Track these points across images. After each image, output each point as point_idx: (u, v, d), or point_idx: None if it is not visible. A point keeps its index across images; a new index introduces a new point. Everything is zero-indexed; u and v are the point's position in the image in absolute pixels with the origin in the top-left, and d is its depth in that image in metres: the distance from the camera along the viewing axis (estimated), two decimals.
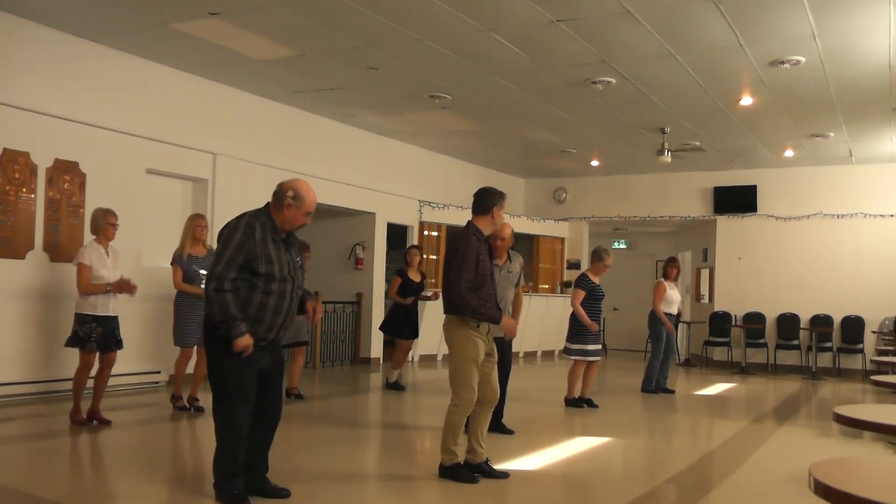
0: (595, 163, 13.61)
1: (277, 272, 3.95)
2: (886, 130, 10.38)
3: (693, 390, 9.82)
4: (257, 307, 3.93)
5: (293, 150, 10.12)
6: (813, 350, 12.12)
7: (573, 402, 7.88)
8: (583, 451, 5.84)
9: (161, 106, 8.47)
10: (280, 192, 4.04)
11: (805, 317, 12.77)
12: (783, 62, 7.58)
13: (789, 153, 12.01)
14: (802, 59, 7.49)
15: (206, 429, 6.29)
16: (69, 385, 7.31)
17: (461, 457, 4.71)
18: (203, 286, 6.52)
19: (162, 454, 5.53)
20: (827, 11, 6.36)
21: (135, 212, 8.16)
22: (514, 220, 14.38)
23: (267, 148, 9.70)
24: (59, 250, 7.39)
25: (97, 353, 6.01)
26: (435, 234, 12.96)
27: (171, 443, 6.09)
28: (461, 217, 13.07)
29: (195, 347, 6.76)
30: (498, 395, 4.86)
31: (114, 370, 7.66)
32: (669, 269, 9.64)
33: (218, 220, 6.99)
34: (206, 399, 6.93)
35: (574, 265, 15.20)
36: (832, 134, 10.64)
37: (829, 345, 12.45)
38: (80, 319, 5.93)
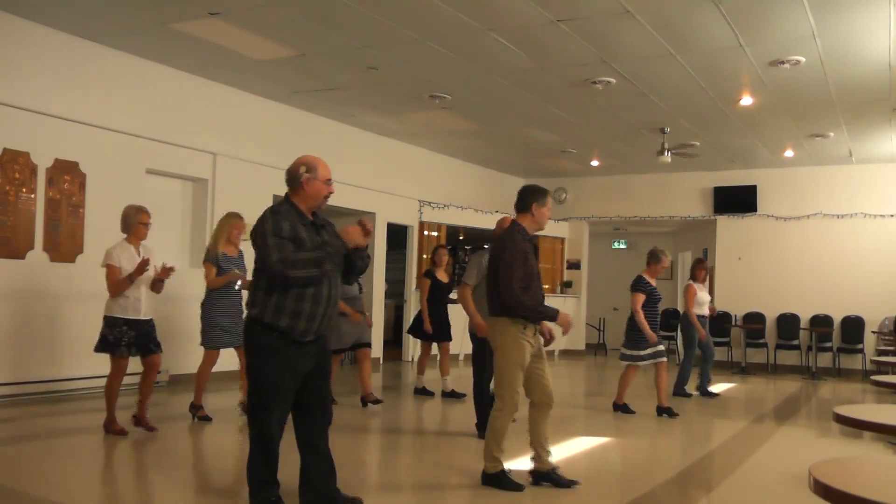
0: (595, 163, 13.61)
1: None
2: (886, 130, 10.38)
3: (693, 390, 9.81)
4: (295, 298, 3.68)
5: (293, 150, 9.97)
6: (813, 350, 12.11)
7: (621, 408, 7.65)
8: (583, 451, 5.84)
9: (161, 106, 8.47)
10: (292, 173, 3.87)
11: (805, 317, 12.77)
12: (783, 62, 7.58)
13: (789, 153, 12.01)
14: (802, 59, 7.48)
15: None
16: (69, 385, 7.37)
17: (504, 463, 4.57)
18: (236, 286, 6.33)
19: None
20: (827, 11, 6.36)
21: None
22: None
23: (267, 148, 9.70)
24: (59, 250, 7.40)
25: (128, 359, 5.67)
26: (435, 234, 12.96)
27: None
28: (461, 217, 13.12)
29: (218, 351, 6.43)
30: (553, 397, 4.71)
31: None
32: (697, 270, 9.30)
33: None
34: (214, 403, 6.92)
35: (574, 265, 15.22)
36: (832, 134, 10.64)
37: (829, 345, 12.45)
38: (110, 322, 5.60)
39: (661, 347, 7.52)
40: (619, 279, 14.64)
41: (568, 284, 15.00)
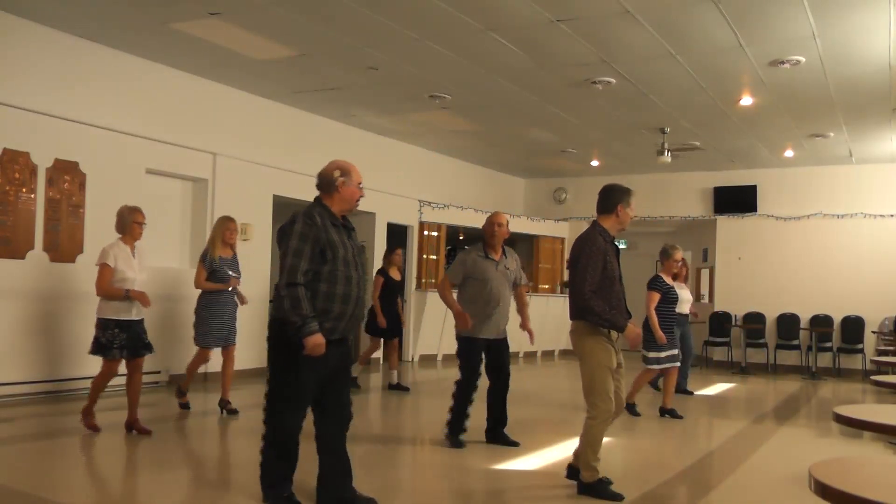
0: (595, 163, 13.61)
1: (342, 257, 3.80)
2: (886, 130, 10.38)
3: (693, 390, 9.81)
4: (324, 297, 3.76)
5: (293, 150, 10.12)
6: (813, 350, 12.12)
7: (628, 407, 7.25)
8: None
9: (161, 106, 8.47)
10: (325, 177, 3.93)
11: (805, 317, 12.77)
12: (783, 62, 7.58)
13: (789, 153, 12.01)
14: (802, 59, 7.49)
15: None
16: (69, 385, 7.37)
17: (601, 471, 4.45)
18: (229, 288, 6.68)
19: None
20: (827, 11, 6.36)
21: None
22: (514, 220, 14.35)
23: (267, 148, 9.70)
24: (59, 250, 7.40)
25: (122, 361, 5.71)
26: (435, 234, 12.96)
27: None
28: (461, 217, 13.12)
29: (215, 349, 6.78)
30: (622, 407, 4.59)
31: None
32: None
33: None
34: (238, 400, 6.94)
35: None
36: (832, 134, 10.64)
37: (829, 345, 12.45)
38: (103, 325, 5.60)
39: (676, 351, 7.31)
40: None
41: (568, 284, 14.98)
